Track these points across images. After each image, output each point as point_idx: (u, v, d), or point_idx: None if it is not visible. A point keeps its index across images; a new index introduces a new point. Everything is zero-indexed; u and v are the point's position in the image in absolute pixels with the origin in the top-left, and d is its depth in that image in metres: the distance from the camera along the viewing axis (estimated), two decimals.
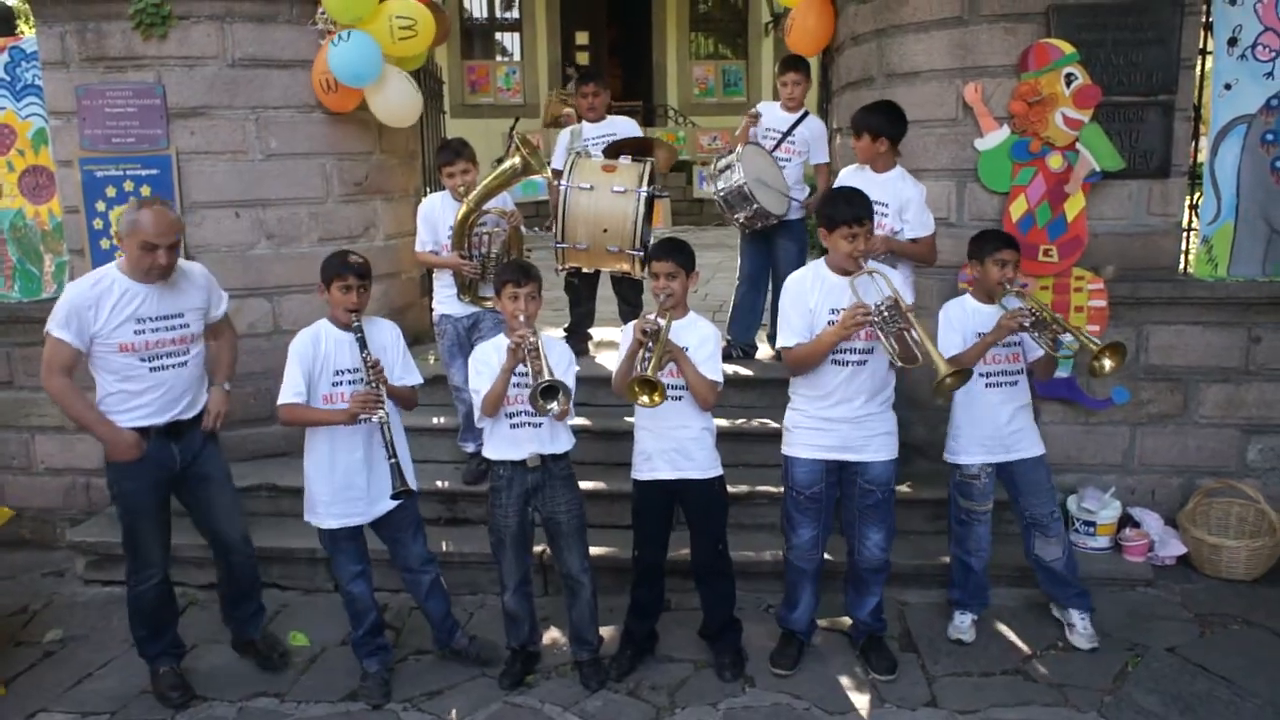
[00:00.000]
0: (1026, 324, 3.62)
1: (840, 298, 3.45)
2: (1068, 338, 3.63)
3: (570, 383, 3.51)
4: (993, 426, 3.81)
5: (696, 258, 3.61)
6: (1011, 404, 3.82)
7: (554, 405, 3.28)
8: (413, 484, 3.50)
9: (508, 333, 3.45)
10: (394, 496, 3.43)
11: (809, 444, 3.59)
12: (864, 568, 3.69)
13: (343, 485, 3.54)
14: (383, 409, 3.39)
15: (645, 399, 3.30)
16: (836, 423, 3.53)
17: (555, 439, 3.58)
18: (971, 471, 3.87)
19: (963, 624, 3.99)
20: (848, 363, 3.49)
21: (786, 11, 5.57)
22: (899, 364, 3.35)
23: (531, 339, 3.33)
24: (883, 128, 4.16)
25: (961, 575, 4.01)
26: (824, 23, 5.32)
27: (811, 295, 3.52)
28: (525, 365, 3.35)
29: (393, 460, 3.37)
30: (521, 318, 3.41)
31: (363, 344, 3.44)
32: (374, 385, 3.40)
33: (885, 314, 3.30)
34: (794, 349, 3.52)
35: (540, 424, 3.52)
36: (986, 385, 3.80)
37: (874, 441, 3.56)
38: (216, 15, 4.81)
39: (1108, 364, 3.52)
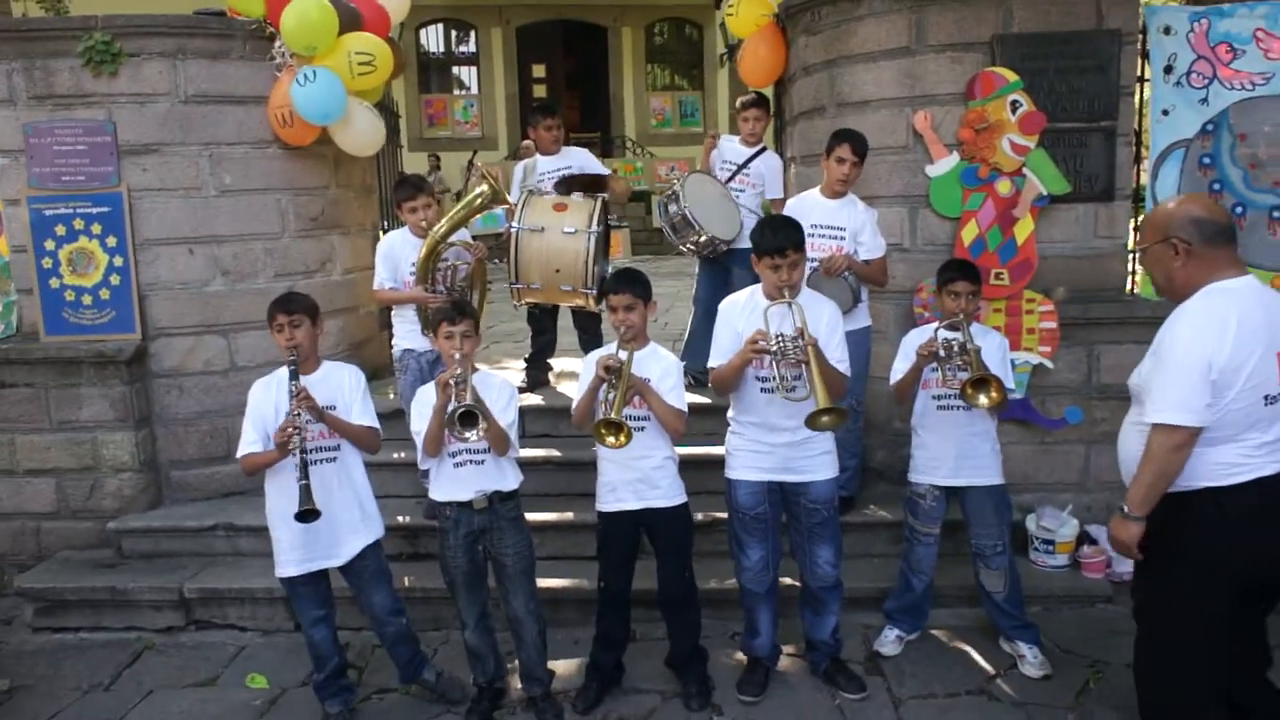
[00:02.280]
0: (940, 353, 3.67)
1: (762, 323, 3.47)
2: (964, 374, 3.60)
3: (511, 417, 3.48)
4: (941, 449, 3.85)
5: (655, 287, 3.62)
6: (963, 429, 3.81)
7: (472, 433, 3.24)
8: (375, 531, 3.59)
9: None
10: (297, 516, 3.25)
11: (750, 466, 3.61)
12: (818, 586, 3.70)
13: (303, 528, 3.45)
14: (298, 436, 3.28)
15: (611, 439, 3.29)
16: (776, 446, 3.56)
17: (502, 476, 3.52)
18: (919, 490, 3.92)
19: (888, 637, 4.05)
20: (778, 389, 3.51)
21: (740, 43, 5.66)
22: (782, 395, 3.36)
23: (458, 373, 3.30)
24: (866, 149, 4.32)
25: (901, 589, 4.06)
26: (775, 53, 5.41)
27: (741, 319, 3.56)
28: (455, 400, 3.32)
29: (303, 483, 3.24)
30: (457, 355, 3.38)
31: (294, 374, 3.38)
32: (296, 414, 3.31)
33: (782, 344, 3.33)
34: (715, 370, 3.58)
35: (483, 461, 3.47)
36: (939, 408, 3.84)
37: (815, 462, 3.58)
38: (168, 52, 4.79)
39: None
